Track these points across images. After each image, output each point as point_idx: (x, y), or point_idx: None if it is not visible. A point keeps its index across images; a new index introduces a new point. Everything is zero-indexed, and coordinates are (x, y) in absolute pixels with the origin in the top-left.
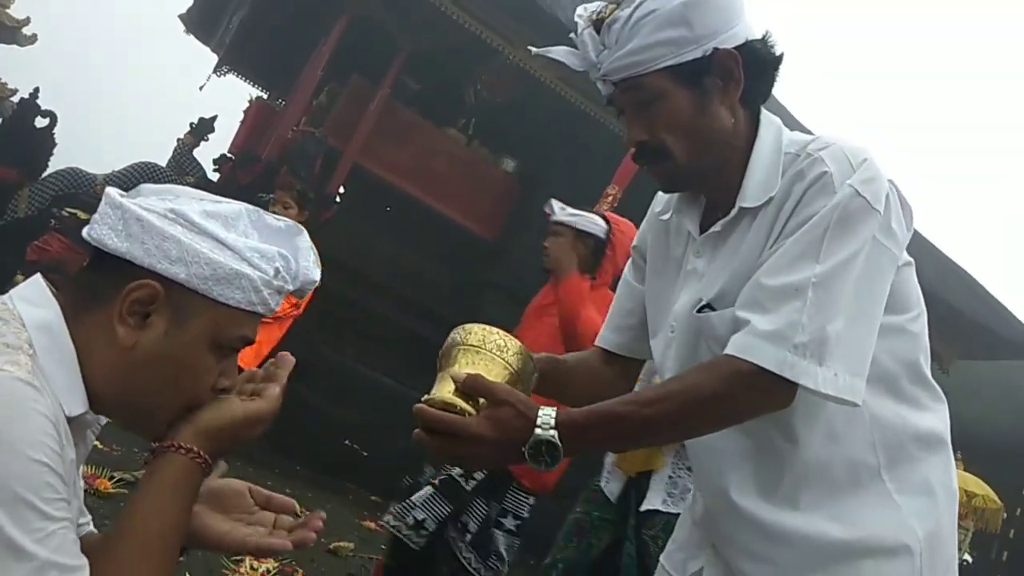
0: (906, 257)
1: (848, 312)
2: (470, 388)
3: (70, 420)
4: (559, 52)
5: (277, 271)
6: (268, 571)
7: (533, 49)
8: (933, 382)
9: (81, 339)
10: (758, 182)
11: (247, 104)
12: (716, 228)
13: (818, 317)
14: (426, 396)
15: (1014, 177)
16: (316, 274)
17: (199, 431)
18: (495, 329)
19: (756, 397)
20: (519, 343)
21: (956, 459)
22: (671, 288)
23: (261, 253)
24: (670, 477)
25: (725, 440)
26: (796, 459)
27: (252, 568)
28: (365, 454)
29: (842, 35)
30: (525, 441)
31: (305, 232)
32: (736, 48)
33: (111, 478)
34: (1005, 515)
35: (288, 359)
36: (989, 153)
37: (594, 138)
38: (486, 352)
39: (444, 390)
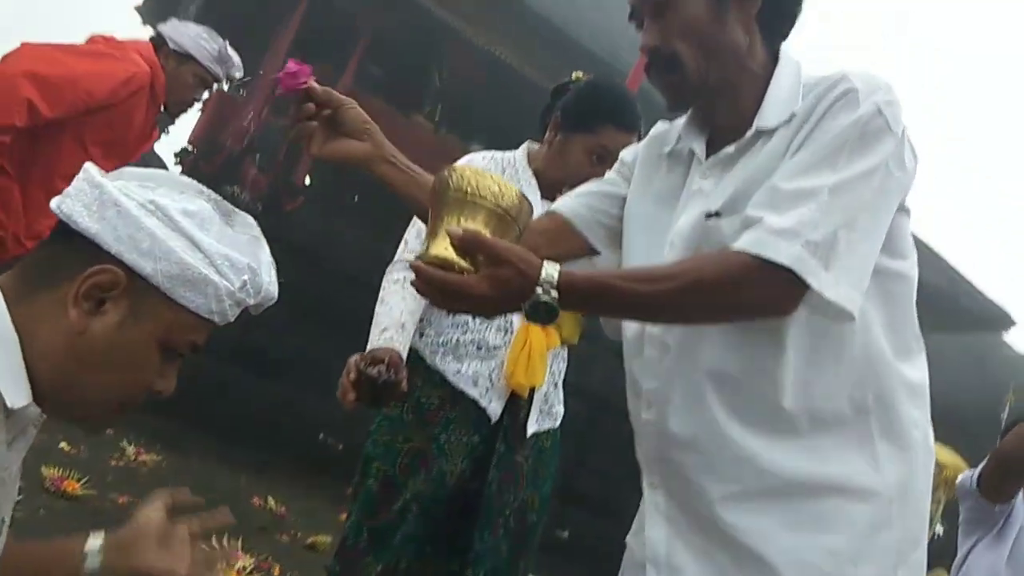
0: (907, 203)
1: (857, 225)
2: (468, 246)
3: (9, 413)
4: None
5: (244, 283)
6: (244, 568)
7: None
8: (919, 332)
9: (25, 319)
10: (778, 103)
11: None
12: (729, 149)
13: (830, 219)
14: (422, 251)
15: (978, 155)
16: (275, 292)
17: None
18: (488, 173)
19: (760, 291)
20: (514, 187)
21: None
22: (668, 214)
23: (232, 262)
24: (545, 394)
25: (714, 361)
26: (783, 388)
27: (228, 564)
28: (340, 447)
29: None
30: (525, 299)
31: (266, 245)
32: None
33: (79, 480)
34: None
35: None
36: (954, 135)
37: None
38: (480, 200)
39: (440, 247)
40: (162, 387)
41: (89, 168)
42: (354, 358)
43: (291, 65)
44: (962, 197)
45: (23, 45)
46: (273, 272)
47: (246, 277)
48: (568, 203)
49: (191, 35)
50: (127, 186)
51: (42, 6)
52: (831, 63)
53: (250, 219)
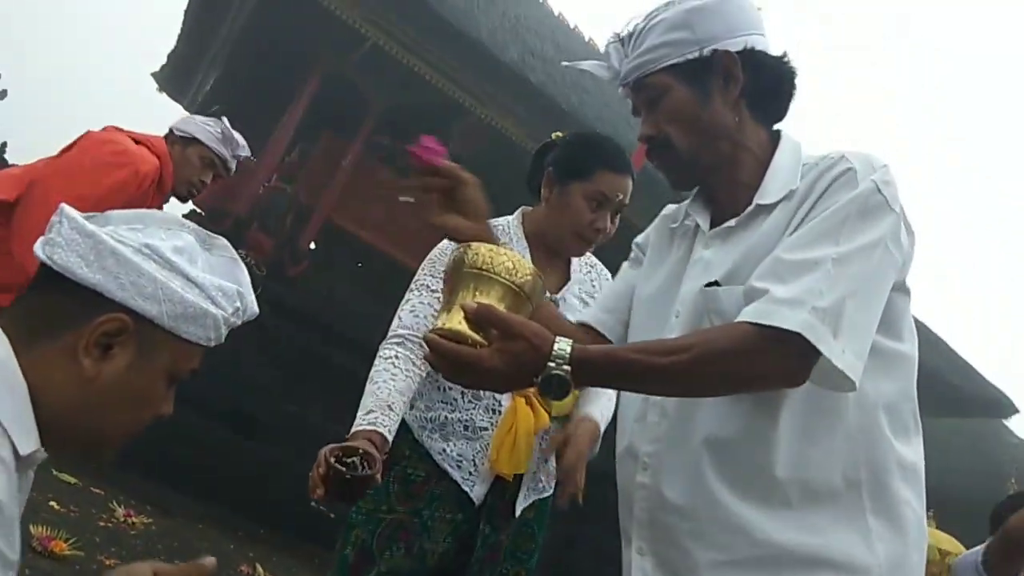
0: (907, 284)
1: (859, 296)
2: (482, 320)
3: (18, 458)
4: (589, 65)
5: (236, 309)
6: None
7: (566, 63)
8: (918, 415)
9: (34, 371)
10: (778, 180)
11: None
12: (730, 223)
13: (836, 289)
14: (436, 325)
15: (977, 235)
16: (256, 308)
17: None
18: (503, 250)
19: (770, 360)
20: (528, 264)
21: (929, 517)
22: (675, 285)
23: (223, 291)
24: (533, 473)
25: (710, 428)
26: (777, 457)
27: None
28: (332, 516)
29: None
30: (537, 373)
31: (242, 263)
32: (738, 52)
33: (67, 540)
34: None
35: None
36: (954, 135)
37: None
38: (495, 276)
39: (454, 320)
40: (165, 411)
41: (70, 213)
42: (325, 450)
43: (427, 140)
44: (961, 197)
45: (47, 173)
46: (251, 287)
47: (238, 304)
48: (593, 313)
49: (195, 121)
50: (117, 231)
51: (64, 76)
52: (832, 62)
53: (223, 240)
